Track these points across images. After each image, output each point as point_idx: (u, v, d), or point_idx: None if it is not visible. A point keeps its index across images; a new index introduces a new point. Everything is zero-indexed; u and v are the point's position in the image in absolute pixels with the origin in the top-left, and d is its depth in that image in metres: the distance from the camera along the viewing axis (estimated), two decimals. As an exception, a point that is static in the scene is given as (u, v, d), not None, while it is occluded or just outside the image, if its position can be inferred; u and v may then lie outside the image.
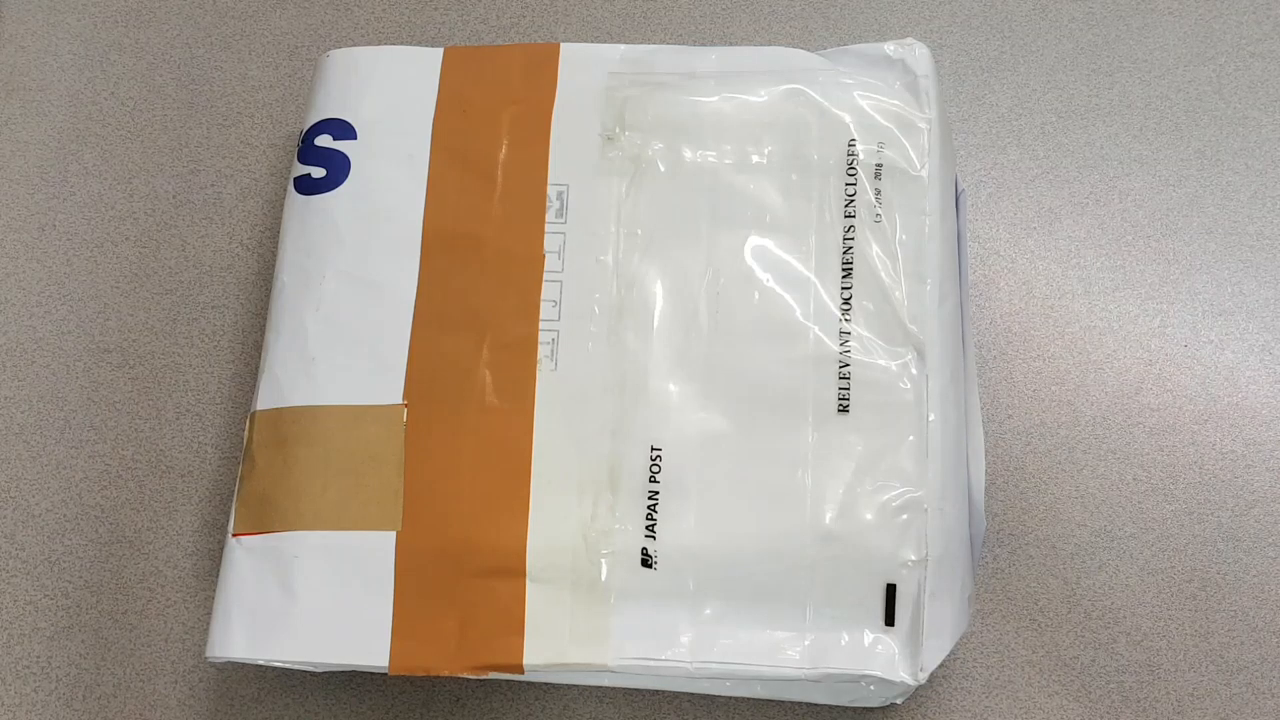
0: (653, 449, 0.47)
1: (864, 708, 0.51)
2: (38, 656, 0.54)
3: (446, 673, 0.45)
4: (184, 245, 0.61)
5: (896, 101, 0.50)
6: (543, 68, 0.53)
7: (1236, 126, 0.62)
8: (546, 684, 0.53)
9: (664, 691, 0.52)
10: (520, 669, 0.45)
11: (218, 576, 0.49)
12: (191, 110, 0.64)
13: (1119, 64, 0.63)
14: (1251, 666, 0.53)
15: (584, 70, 0.52)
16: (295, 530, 0.47)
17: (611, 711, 0.52)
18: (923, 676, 0.45)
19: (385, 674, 0.50)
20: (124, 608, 0.55)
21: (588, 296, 0.49)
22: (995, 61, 0.63)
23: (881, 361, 0.47)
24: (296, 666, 0.46)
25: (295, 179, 0.53)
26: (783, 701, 0.52)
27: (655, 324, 0.48)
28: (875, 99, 0.51)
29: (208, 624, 0.54)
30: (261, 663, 0.46)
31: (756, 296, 0.48)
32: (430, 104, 0.53)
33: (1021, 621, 0.54)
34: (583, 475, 0.47)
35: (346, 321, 0.49)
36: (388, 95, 0.53)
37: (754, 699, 0.52)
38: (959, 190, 0.53)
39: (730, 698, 0.52)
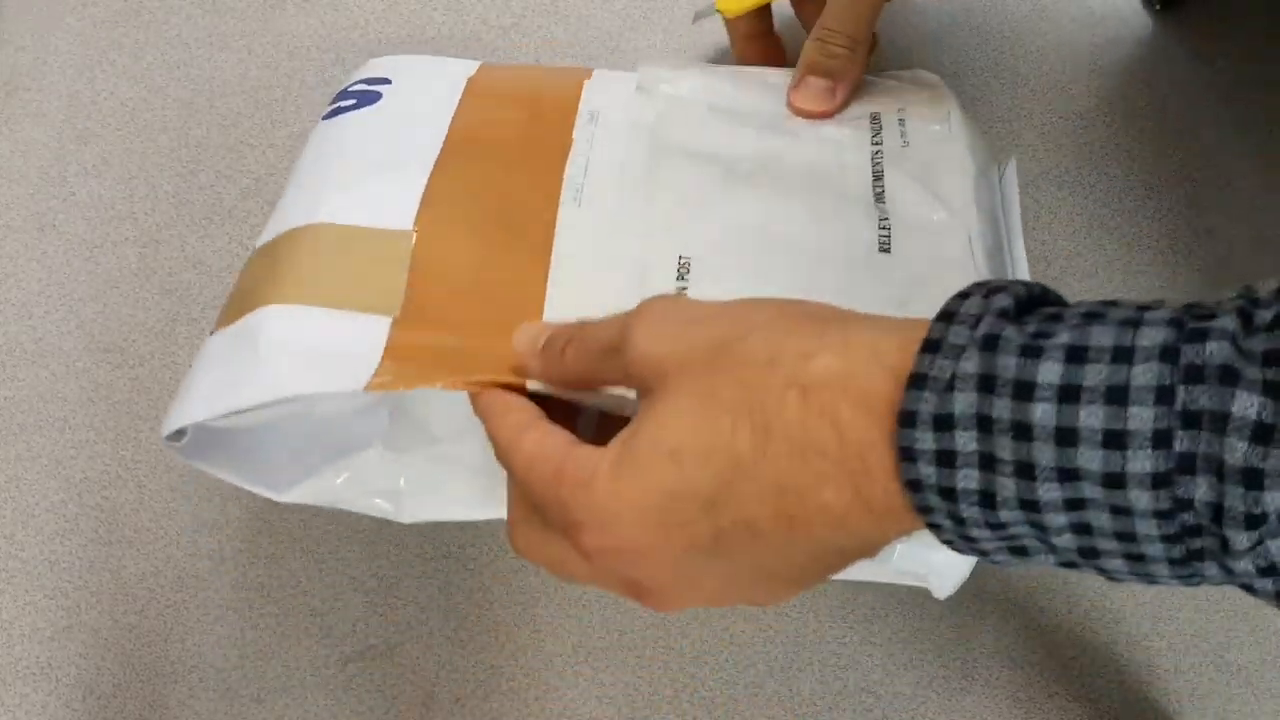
0: (680, 258, 0.44)
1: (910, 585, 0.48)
2: (38, 656, 0.54)
3: (431, 385, 0.38)
4: (184, 245, 0.61)
5: (914, 87, 0.51)
6: (574, 72, 0.53)
7: (1238, 127, 0.62)
8: (546, 684, 0.53)
9: (664, 691, 0.52)
10: (523, 386, 0.39)
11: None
12: (191, 110, 0.64)
13: (1118, 64, 0.63)
14: (1251, 666, 0.53)
15: (615, 80, 0.52)
16: (275, 304, 0.41)
17: (611, 711, 0.52)
18: None
19: (385, 671, 0.50)
20: (124, 608, 0.55)
21: (615, 165, 0.47)
22: (995, 62, 0.63)
23: (921, 224, 0.45)
24: (263, 412, 0.40)
25: (323, 115, 0.51)
26: (788, 697, 0.52)
27: (686, 178, 0.47)
28: (895, 82, 0.51)
29: (208, 624, 0.54)
30: (222, 417, 0.40)
31: (795, 172, 0.47)
32: (465, 77, 0.52)
33: (1021, 621, 0.54)
34: (602, 297, 0.42)
35: (364, 165, 0.47)
36: (424, 67, 0.53)
37: (755, 697, 0.52)
38: (1003, 167, 0.52)
39: (731, 697, 0.52)
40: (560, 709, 0.53)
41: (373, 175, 0.46)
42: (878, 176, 0.47)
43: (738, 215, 0.46)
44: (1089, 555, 0.26)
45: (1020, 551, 0.27)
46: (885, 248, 0.45)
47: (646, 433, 0.30)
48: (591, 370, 0.35)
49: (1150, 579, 0.26)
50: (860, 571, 0.42)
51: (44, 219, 0.62)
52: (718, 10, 0.54)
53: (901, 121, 0.49)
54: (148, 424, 0.58)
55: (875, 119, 0.49)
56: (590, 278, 0.43)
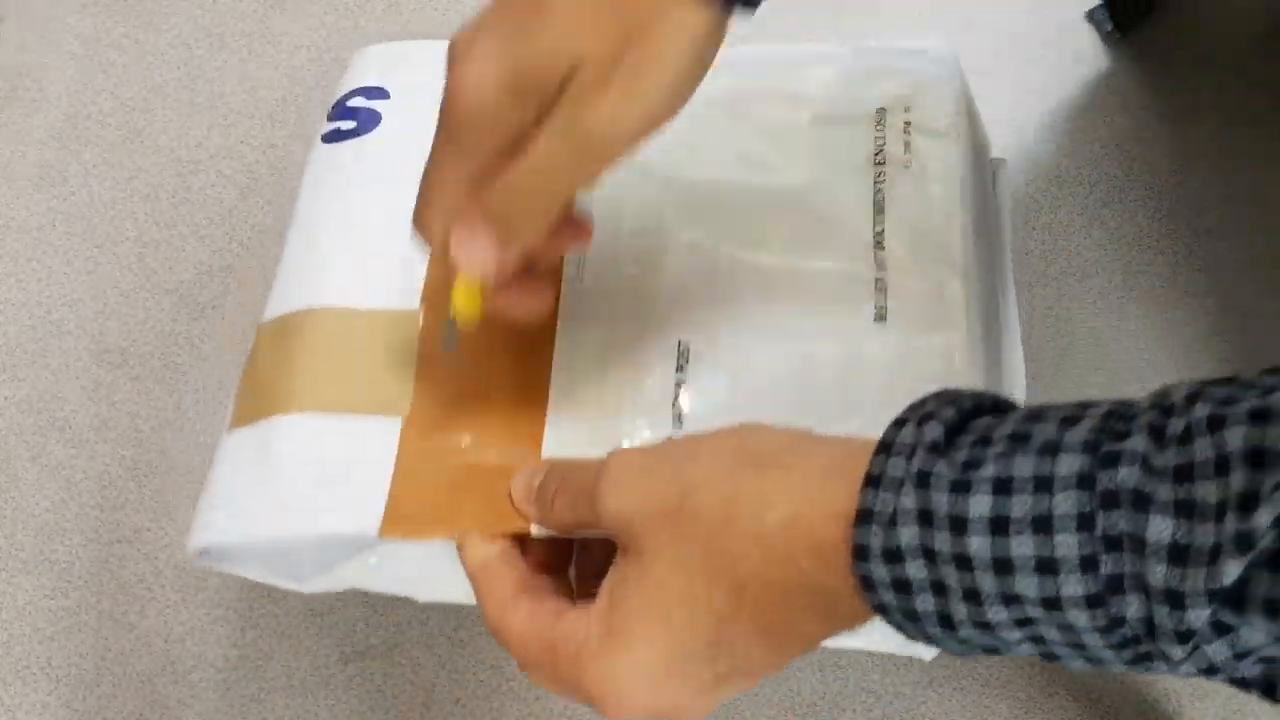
0: (680, 343, 0.44)
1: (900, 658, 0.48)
2: (38, 656, 0.54)
3: (444, 536, 0.41)
4: (184, 245, 0.61)
5: (923, 74, 0.51)
6: None
7: (1237, 126, 0.62)
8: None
9: (664, 691, 0.53)
10: (527, 531, 0.41)
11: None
12: (191, 110, 0.64)
13: (1119, 65, 0.63)
14: (1251, 666, 0.53)
15: None
16: (289, 414, 0.43)
17: (612, 711, 0.53)
18: None
19: (385, 671, 0.50)
20: (124, 608, 0.55)
21: (615, 219, 0.47)
22: (994, 62, 0.63)
23: (917, 279, 0.46)
24: (280, 544, 0.42)
25: (323, 135, 0.51)
26: (788, 697, 0.52)
27: (685, 238, 0.47)
28: (906, 64, 0.51)
29: (208, 624, 0.54)
30: (244, 542, 0.42)
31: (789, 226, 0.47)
32: None
33: (1021, 621, 0.54)
34: (604, 389, 0.44)
35: (366, 234, 0.47)
36: (425, 66, 0.52)
37: (755, 697, 0.52)
38: (996, 165, 0.52)
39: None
40: (560, 709, 0.53)
41: (376, 242, 0.47)
42: (879, 209, 0.47)
43: (736, 292, 0.46)
44: (1050, 658, 0.28)
45: (992, 650, 0.29)
46: (882, 316, 0.45)
47: (629, 601, 0.33)
48: (579, 520, 0.37)
49: (1111, 671, 0.28)
50: (857, 642, 0.44)
51: (44, 219, 0.62)
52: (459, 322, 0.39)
53: (907, 125, 0.49)
54: (148, 424, 0.58)
55: (880, 119, 0.49)
56: (593, 368, 0.44)
